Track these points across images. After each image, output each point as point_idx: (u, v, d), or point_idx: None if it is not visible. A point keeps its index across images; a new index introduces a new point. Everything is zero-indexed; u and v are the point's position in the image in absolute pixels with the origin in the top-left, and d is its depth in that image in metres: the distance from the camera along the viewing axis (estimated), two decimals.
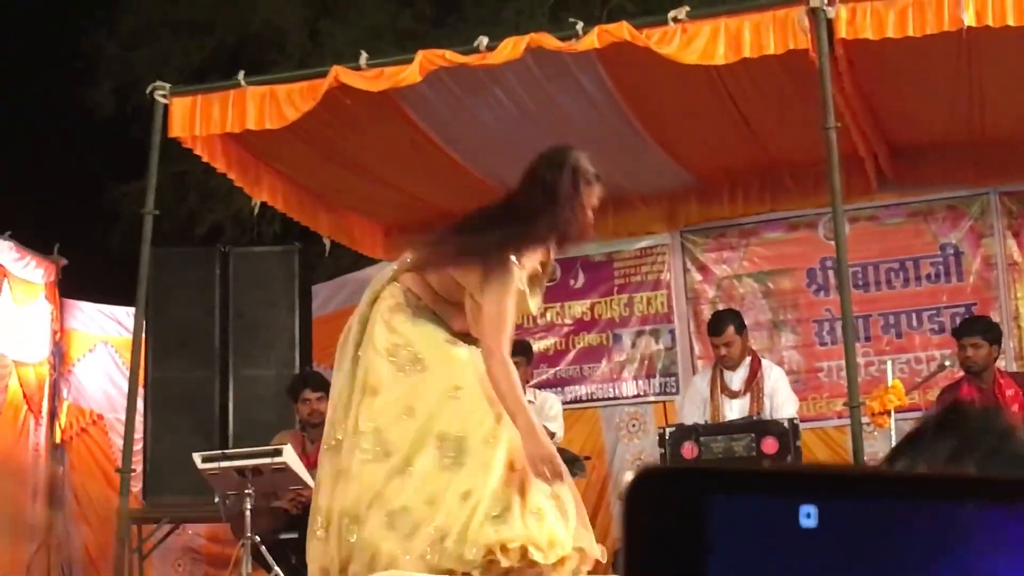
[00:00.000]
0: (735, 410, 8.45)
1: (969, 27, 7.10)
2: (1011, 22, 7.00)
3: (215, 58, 15.53)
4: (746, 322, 8.95)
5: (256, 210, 9.54)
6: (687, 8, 7.54)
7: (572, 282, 10.72)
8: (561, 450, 8.49)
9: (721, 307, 9.64)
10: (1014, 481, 0.73)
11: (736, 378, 8.56)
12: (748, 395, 8.48)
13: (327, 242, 10.41)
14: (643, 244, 10.58)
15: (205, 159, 8.77)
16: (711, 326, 8.88)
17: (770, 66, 7.66)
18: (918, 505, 0.72)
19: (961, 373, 8.36)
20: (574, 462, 8.41)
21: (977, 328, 8.34)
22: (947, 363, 8.29)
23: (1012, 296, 9.62)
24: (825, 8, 7.25)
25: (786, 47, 7.34)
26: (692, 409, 8.65)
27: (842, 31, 7.30)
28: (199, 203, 15.82)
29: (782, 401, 8.38)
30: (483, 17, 14.82)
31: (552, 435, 8.44)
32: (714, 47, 7.36)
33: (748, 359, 8.63)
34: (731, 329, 8.58)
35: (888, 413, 7.38)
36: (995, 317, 9.09)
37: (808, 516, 0.73)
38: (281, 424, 9.28)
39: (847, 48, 7.50)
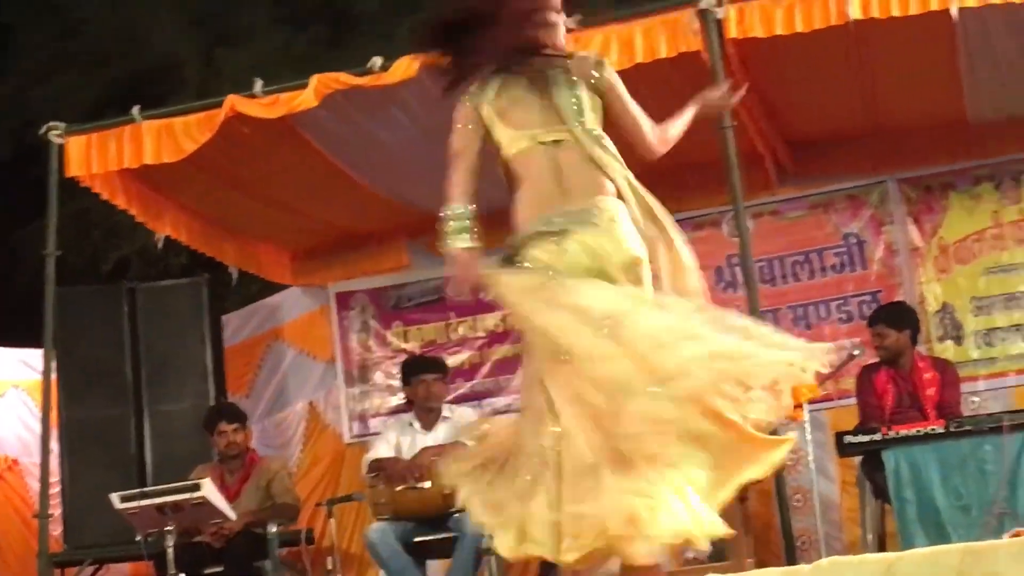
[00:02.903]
0: None
1: (856, 20, 7.20)
2: (896, 12, 7.11)
3: (112, 92, 15.38)
4: None
5: (160, 244, 9.45)
6: (578, 16, 7.58)
7: (483, 295, 10.69)
8: None
9: None
10: None
11: None
12: None
13: (234, 271, 10.36)
14: None
15: (105, 196, 8.69)
16: None
17: (664, 70, 7.70)
18: None
19: (874, 359, 8.46)
20: None
21: (880, 316, 8.47)
22: (855, 352, 8.36)
23: (916, 281, 9.72)
24: (714, 9, 7.33)
25: (678, 50, 7.41)
26: None
27: (732, 31, 7.37)
28: (104, 239, 15.66)
29: None
30: (379, 34, 14.79)
31: None
32: (606, 54, 7.39)
33: None
34: None
35: (801, 406, 7.45)
36: (904, 302, 9.21)
37: None
38: (200, 457, 9.23)
39: (738, 47, 7.57)
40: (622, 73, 7.51)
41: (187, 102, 8.98)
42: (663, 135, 4.94)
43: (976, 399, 9.40)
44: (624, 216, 4.72)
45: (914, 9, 7.12)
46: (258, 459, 9.03)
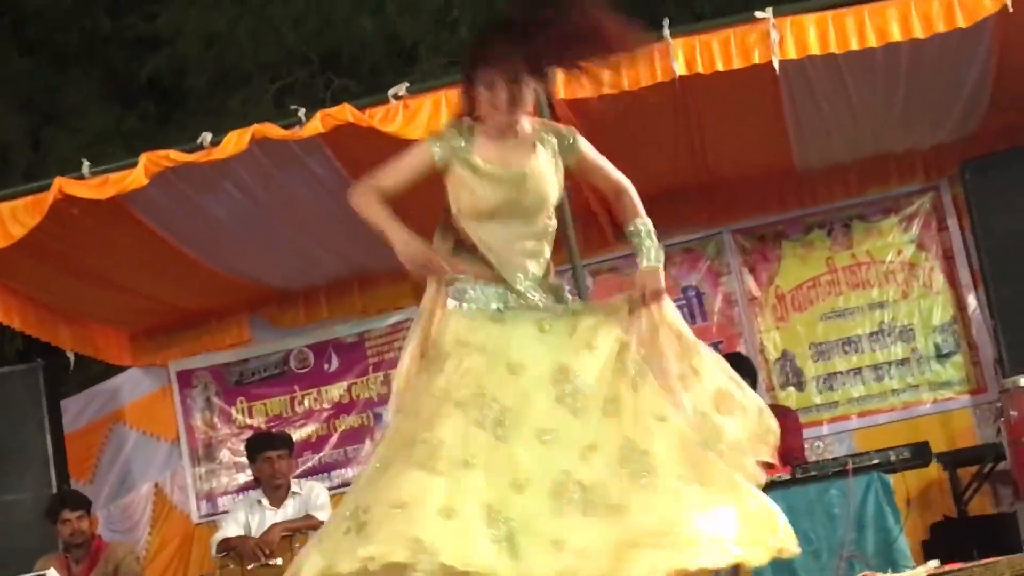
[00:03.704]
0: None
1: (681, 76, 7.29)
2: (720, 67, 7.22)
3: None
4: None
5: None
6: (406, 84, 7.60)
7: (326, 366, 10.64)
8: None
9: None
10: None
11: None
12: None
13: (71, 355, 10.15)
14: (393, 320, 10.53)
15: None
16: None
17: None
18: None
19: None
20: None
21: None
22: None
23: (755, 330, 9.85)
24: None
25: None
26: None
27: (560, 91, 7.39)
28: None
29: None
30: (209, 110, 14.71)
31: (322, 524, 8.35)
32: (437, 120, 7.39)
33: None
34: None
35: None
36: (741, 352, 9.31)
37: None
38: (44, 547, 9.00)
39: (569, 107, 7.58)
40: None
41: (14, 185, 8.80)
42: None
43: (820, 444, 9.54)
44: None
45: (737, 63, 7.25)
46: (104, 545, 8.86)
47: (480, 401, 4.26)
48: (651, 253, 4.59)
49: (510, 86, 4.54)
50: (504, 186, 4.55)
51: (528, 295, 4.55)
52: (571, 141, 4.79)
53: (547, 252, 4.66)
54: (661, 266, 4.58)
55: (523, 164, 4.60)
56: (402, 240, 4.48)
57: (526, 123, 4.69)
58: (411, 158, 4.67)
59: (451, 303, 4.58)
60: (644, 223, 4.66)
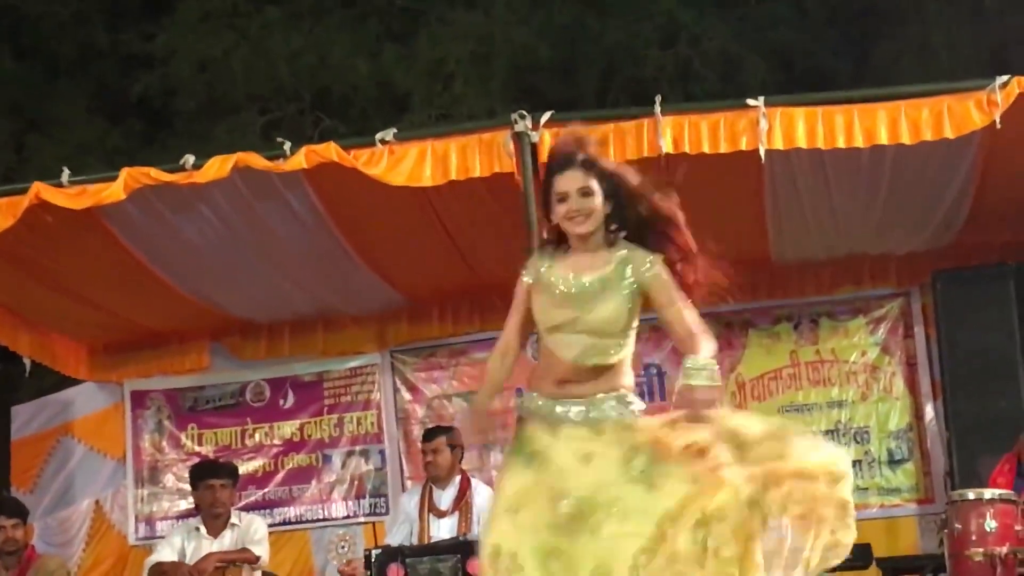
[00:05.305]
0: (443, 529, 8.42)
1: (667, 153, 7.30)
2: (706, 149, 7.24)
3: None
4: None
5: None
6: (394, 130, 7.60)
7: (282, 402, 10.61)
8: (267, 574, 8.38)
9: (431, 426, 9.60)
10: None
11: (445, 497, 8.53)
12: (456, 514, 8.45)
13: (27, 362, 10.08)
14: (353, 364, 10.54)
15: None
16: (425, 433, 8.89)
17: (477, 188, 7.75)
18: None
19: None
20: None
21: None
22: None
23: None
24: (529, 132, 7.37)
25: (492, 170, 7.44)
26: (400, 529, 8.59)
27: (545, 155, 7.43)
28: None
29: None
30: (195, 134, 14.70)
31: (257, 559, 8.31)
32: (421, 169, 7.42)
33: (458, 478, 8.60)
34: (442, 439, 8.59)
35: None
36: None
37: None
38: None
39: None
40: (436, 189, 7.64)
41: None
42: None
43: None
44: None
45: (724, 147, 7.27)
46: (36, 556, 8.77)
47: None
48: (688, 373, 4.47)
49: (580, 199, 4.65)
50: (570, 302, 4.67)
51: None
52: (648, 266, 4.79)
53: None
54: (695, 383, 4.41)
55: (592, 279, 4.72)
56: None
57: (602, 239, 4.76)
58: (515, 299, 4.88)
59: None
60: (695, 357, 4.54)
